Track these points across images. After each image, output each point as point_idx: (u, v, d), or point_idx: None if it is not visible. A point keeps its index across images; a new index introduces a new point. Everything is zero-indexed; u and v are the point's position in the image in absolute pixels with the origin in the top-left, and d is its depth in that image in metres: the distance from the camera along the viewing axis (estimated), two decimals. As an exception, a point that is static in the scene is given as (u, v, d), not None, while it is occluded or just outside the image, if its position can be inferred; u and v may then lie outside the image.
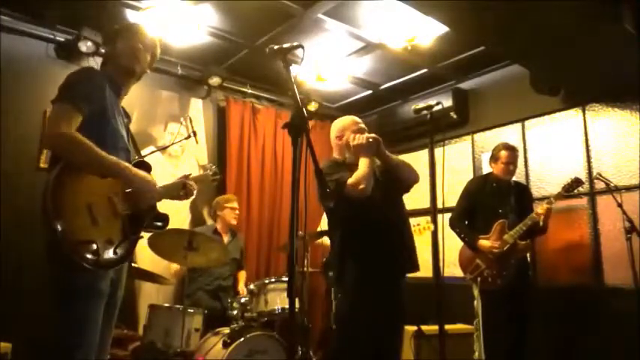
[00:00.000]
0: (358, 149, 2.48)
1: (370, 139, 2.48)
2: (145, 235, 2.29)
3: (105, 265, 1.76)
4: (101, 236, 1.75)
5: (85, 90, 1.83)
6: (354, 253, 2.47)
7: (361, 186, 2.40)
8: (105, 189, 1.81)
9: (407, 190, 2.69)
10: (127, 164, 1.86)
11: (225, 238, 4.14)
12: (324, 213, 3.29)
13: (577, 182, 3.47)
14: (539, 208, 3.43)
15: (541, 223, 3.41)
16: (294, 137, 1.59)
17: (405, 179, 2.61)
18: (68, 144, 1.73)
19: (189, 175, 2.34)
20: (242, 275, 4.25)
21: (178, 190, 2.20)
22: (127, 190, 1.86)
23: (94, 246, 1.71)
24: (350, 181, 2.43)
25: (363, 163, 2.45)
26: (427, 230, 3.84)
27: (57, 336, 1.71)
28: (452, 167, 4.96)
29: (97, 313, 1.77)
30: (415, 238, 2.71)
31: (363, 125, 2.64)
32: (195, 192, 2.26)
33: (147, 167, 2.04)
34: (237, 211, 4.26)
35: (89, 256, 1.69)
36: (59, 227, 1.63)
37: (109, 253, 1.77)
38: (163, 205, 2.12)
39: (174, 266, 3.94)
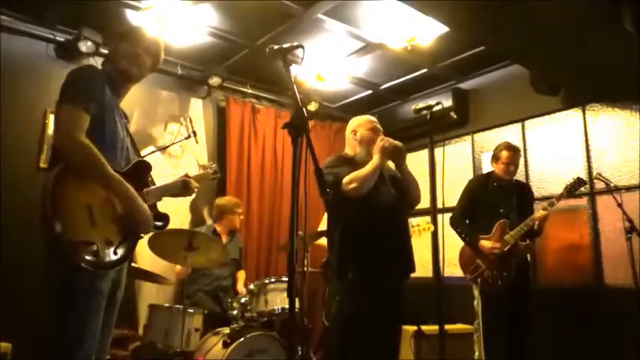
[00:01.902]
0: (378, 149, 2.50)
1: (394, 146, 2.51)
2: (145, 235, 2.28)
3: (104, 266, 1.76)
4: (100, 237, 1.75)
5: (89, 90, 1.83)
6: (354, 252, 2.47)
7: (352, 185, 2.43)
8: (104, 190, 1.81)
9: (407, 209, 2.73)
10: (126, 186, 1.83)
11: (224, 239, 4.13)
12: (325, 212, 3.29)
13: (579, 183, 3.45)
14: (536, 214, 3.42)
15: (536, 227, 3.41)
16: (294, 137, 1.59)
17: (410, 195, 2.64)
18: (81, 154, 1.73)
19: (187, 174, 2.34)
20: (241, 275, 4.25)
21: (178, 188, 2.20)
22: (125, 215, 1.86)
23: (94, 247, 1.71)
24: (346, 178, 2.45)
25: (370, 165, 2.48)
26: (426, 231, 3.83)
27: (57, 336, 1.71)
28: (452, 167, 4.96)
29: (98, 314, 1.77)
30: (414, 239, 2.73)
31: (378, 125, 2.70)
32: (195, 190, 2.27)
33: (147, 167, 2.04)
34: (242, 217, 4.31)
35: (88, 256, 1.69)
36: (58, 228, 1.63)
37: (109, 254, 1.77)
38: (163, 205, 2.12)
39: (178, 267, 3.91)
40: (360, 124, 2.72)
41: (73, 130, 1.73)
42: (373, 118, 2.77)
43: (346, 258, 2.48)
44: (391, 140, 2.54)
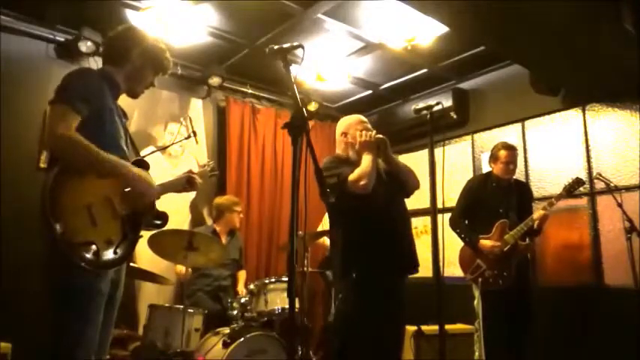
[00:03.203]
0: (363, 146, 2.52)
1: (377, 139, 2.53)
2: (145, 235, 2.29)
3: (105, 266, 1.76)
4: (100, 237, 1.75)
5: (82, 90, 1.82)
6: (356, 252, 2.47)
7: (362, 182, 2.43)
8: (103, 189, 1.81)
9: (407, 196, 2.73)
10: (126, 163, 1.87)
11: (224, 239, 4.13)
12: (326, 213, 3.29)
13: (578, 183, 3.46)
14: (535, 214, 3.42)
15: (535, 227, 3.41)
16: (294, 137, 1.59)
17: (407, 183, 2.65)
18: (67, 145, 1.72)
19: (191, 170, 2.39)
20: (242, 275, 4.24)
21: (182, 184, 2.25)
22: (126, 190, 1.86)
23: (94, 247, 1.71)
24: (351, 176, 2.45)
25: (366, 160, 2.48)
26: (424, 234, 3.84)
27: (57, 336, 1.71)
28: (452, 167, 4.96)
29: (97, 314, 1.77)
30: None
31: (368, 125, 2.69)
32: (199, 185, 2.31)
33: (145, 166, 2.04)
34: (241, 215, 4.29)
35: (89, 257, 1.69)
36: (58, 228, 1.63)
37: (109, 254, 1.77)
38: (163, 205, 2.12)
39: (180, 269, 3.87)
40: (350, 125, 2.69)
41: (57, 126, 1.72)
42: (363, 118, 2.74)
43: (349, 257, 2.48)
44: (370, 133, 2.54)
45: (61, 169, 1.71)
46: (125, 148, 1.98)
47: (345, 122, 2.74)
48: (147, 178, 1.92)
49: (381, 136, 2.57)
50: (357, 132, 2.59)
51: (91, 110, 1.81)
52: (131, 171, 1.86)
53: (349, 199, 2.44)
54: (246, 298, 3.48)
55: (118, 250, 1.81)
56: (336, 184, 2.45)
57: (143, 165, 2.03)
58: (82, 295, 1.72)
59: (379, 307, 2.42)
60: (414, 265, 2.61)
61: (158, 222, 2.09)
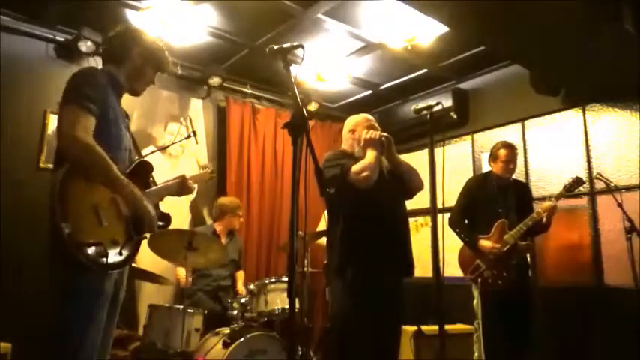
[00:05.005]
0: (369, 143, 2.54)
1: (382, 137, 2.56)
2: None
3: (111, 266, 1.77)
4: (107, 237, 1.76)
5: (91, 91, 1.82)
6: (353, 249, 2.47)
7: (365, 173, 2.44)
8: (109, 190, 1.81)
9: (410, 196, 2.75)
10: (130, 185, 1.84)
11: (224, 240, 4.13)
12: (325, 212, 3.28)
13: (578, 182, 3.46)
14: (542, 206, 3.41)
15: (544, 220, 3.40)
16: (294, 137, 1.59)
17: (411, 183, 2.67)
18: (82, 151, 1.72)
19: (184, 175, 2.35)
20: (240, 275, 4.24)
21: (175, 188, 2.21)
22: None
23: (102, 247, 1.72)
24: (355, 167, 2.47)
25: (371, 155, 2.51)
26: (424, 227, 3.84)
27: (60, 336, 1.71)
28: (452, 167, 4.95)
29: (101, 314, 1.77)
30: (412, 234, 2.75)
31: (375, 124, 2.72)
32: (194, 190, 2.29)
33: (149, 167, 2.05)
34: (242, 219, 4.32)
35: (97, 257, 1.69)
36: (67, 229, 1.63)
37: (115, 254, 1.78)
38: (164, 206, 2.12)
39: (181, 275, 3.86)
40: (358, 123, 2.74)
41: (76, 130, 1.72)
42: (370, 117, 2.78)
43: (346, 256, 2.48)
44: (376, 132, 2.57)
45: (69, 170, 1.70)
46: (129, 148, 1.99)
47: (353, 120, 2.78)
48: (149, 207, 1.90)
49: (386, 134, 2.59)
50: (364, 130, 2.62)
51: (100, 111, 1.82)
52: (136, 195, 1.85)
53: (350, 191, 2.45)
54: (246, 298, 3.48)
55: (123, 251, 1.81)
56: (338, 175, 2.46)
57: (146, 166, 2.04)
58: (85, 296, 1.72)
59: (374, 306, 2.41)
60: (410, 268, 2.61)
61: (161, 223, 2.09)
